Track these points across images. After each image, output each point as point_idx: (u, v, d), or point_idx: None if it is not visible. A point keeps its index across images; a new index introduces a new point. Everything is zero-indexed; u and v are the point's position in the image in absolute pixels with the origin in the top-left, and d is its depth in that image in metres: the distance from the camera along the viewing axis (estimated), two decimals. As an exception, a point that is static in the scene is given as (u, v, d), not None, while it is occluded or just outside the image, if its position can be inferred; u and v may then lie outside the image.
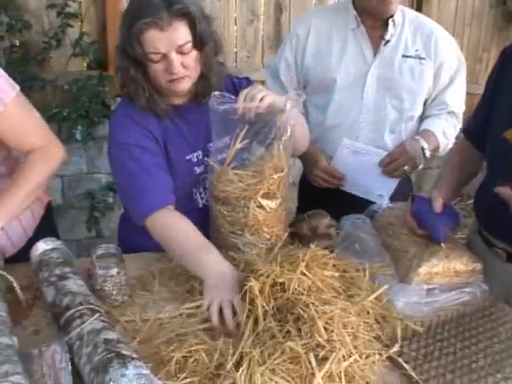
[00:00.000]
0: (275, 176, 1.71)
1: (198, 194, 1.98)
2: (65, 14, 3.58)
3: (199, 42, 1.72)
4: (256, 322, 1.42)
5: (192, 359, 1.35)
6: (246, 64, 4.16)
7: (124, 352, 1.24)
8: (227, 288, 1.53)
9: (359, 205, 2.19)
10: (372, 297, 1.56)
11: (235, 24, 4.08)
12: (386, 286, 1.61)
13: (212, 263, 1.62)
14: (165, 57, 1.69)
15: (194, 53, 1.73)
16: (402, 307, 1.62)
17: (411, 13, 2.34)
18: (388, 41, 2.24)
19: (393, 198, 2.23)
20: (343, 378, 1.28)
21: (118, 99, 3.21)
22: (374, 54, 2.26)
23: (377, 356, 1.38)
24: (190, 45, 1.70)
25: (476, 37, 4.75)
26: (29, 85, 3.53)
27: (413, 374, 1.37)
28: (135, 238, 1.98)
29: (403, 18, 2.27)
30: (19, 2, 3.54)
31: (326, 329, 1.33)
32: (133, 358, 1.22)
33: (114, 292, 1.61)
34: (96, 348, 1.26)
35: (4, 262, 1.83)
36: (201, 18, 1.71)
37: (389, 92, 2.27)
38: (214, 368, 1.33)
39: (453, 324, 1.60)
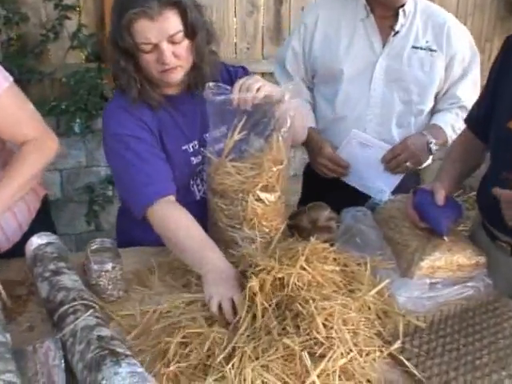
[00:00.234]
0: (274, 169, 1.67)
1: (195, 186, 1.95)
2: (62, 6, 3.53)
3: (191, 31, 1.69)
4: (254, 317, 1.38)
5: (188, 348, 1.32)
6: (245, 55, 4.12)
7: (118, 349, 1.21)
8: (227, 285, 1.49)
9: (364, 197, 2.16)
10: (373, 292, 1.52)
11: (235, 15, 4.03)
12: (387, 281, 1.58)
13: (212, 260, 1.58)
14: (156, 47, 1.66)
15: (186, 42, 1.70)
16: (403, 302, 1.58)
17: (423, 1, 2.26)
18: (398, 31, 2.17)
19: (397, 191, 2.19)
20: (337, 376, 1.24)
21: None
22: (383, 45, 2.20)
23: (378, 353, 1.34)
24: (181, 34, 1.67)
25: (478, 27, 4.70)
26: (27, 78, 3.50)
27: (415, 371, 1.33)
28: (133, 232, 1.97)
29: (415, 7, 2.21)
30: (16, -6, 3.50)
31: (325, 325, 1.30)
32: (126, 356, 1.19)
33: (110, 287, 1.58)
34: (89, 345, 1.23)
35: (-1, 258, 1.80)
36: (192, 6, 1.68)
37: (396, 84, 2.21)
38: (206, 358, 1.30)
39: (456, 319, 1.56)
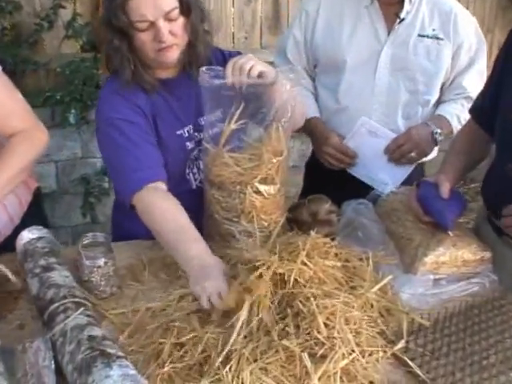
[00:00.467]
0: (274, 160, 1.61)
1: (191, 175, 1.91)
2: (56, -5, 3.46)
3: (186, 7, 1.67)
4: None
5: (183, 350, 1.27)
6: (243, 45, 4.04)
7: (109, 350, 1.15)
8: (213, 280, 1.42)
9: (366, 190, 2.09)
10: (376, 288, 1.47)
11: (232, 5, 3.96)
12: (390, 277, 1.52)
13: (197, 255, 1.50)
14: (152, 25, 1.62)
15: (181, 19, 1.67)
16: (407, 299, 1.53)
17: None
18: (403, 19, 2.10)
19: (400, 184, 2.13)
20: (338, 378, 1.19)
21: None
22: (388, 33, 2.12)
23: (381, 353, 1.29)
24: (177, 11, 1.64)
25: (480, 17, 4.60)
26: (21, 68, 3.45)
27: (419, 372, 1.27)
28: (128, 225, 1.91)
29: None
30: (9, -18, 3.43)
31: (326, 325, 1.25)
32: (118, 357, 1.14)
33: (102, 283, 1.52)
34: (79, 346, 1.17)
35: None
36: None
37: (402, 73, 2.14)
38: (202, 359, 1.25)
39: (461, 317, 1.51)
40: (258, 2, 4.02)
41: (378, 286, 1.48)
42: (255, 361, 1.18)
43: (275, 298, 1.33)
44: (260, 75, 1.57)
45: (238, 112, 1.61)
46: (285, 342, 1.22)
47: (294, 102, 1.62)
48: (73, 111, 3.53)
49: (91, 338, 1.19)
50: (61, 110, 3.54)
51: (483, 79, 2.24)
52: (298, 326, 1.26)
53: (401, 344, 1.34)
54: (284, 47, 2.30)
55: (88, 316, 1.29)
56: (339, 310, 1.28)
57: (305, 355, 1.19)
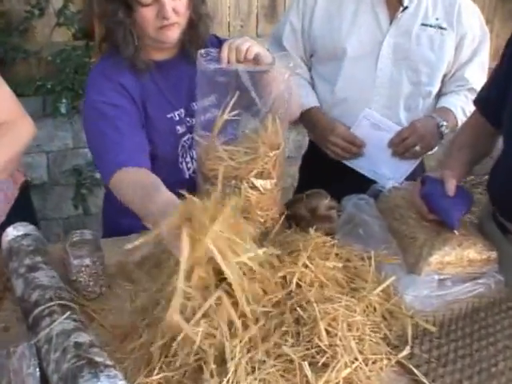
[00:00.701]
0: (271, 154, 1.53)
1: (184, 164, 1.86)
2: (47, -19, 3.37)
3: None
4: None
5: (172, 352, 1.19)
6: (239, 33, 3.94)
7: (97, 359, 1.08)
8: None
9: (368, 184, 2.00)
10: (378, 290, 1.40)
11: (228, -8, 3.89)
12: (393, 278, 1.45)
13: (161, 206, 1.37)
14: (156, 1, 1.59)
15: None
16: (411, 301, 1.46)
17: None
18: (406, 7, 2.01)
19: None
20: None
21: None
22: (390, 22, 2.04)
23: (385, 361, 1.22)
24: None
25: (479, 7, 4.48)
26: (11, 56, 3.37)
27: (425, 380, 1.20)
28: (120, 220, 1.86)
29: None
30: (-2, -32, 3.34)
31: (328, 331, 1.17)
32: (106, 366, 1.06)
33: (91, 283, 1.45)
34: (65, 353, 1.10)
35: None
36: None
37: (405, 64, 2.06)
38: (197, 365, 1.17)
39: (467, 320, 1.44)
40: (255, -11, 3.93)
41: (380, 288, 1.40)
42: (253, 371, 1.11)
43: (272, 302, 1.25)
44: (257, 57, 1.52)
45: (233, 101, 1.53)
46: (285, 348, 1.14)
47: (291, 91, 1.55)
48: (64, 101, 3.45)
49: (78, 344, 1.12)
50: (52, 99, 3.45)
51: (485, 71, 2.19)
52: (298, 333, 1.19)
53: (406, 351, 1.27)
54: (280, 35, 2.21)
55: (75, 320, 1.21)
56: (341, 315, 1.21)
57: (305, 364, 1.12)
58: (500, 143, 1.72)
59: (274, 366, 1.12)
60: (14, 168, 1.78)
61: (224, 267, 1.11)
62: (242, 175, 1.51)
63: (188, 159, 1.87)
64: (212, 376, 1.11)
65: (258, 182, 1.53)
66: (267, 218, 1.60)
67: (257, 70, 1.53)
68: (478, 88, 2.13)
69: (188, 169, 1.88)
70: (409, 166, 2.11)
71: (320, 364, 1.14)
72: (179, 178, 1.84)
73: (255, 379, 1.09)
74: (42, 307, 1.24)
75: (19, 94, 3.32)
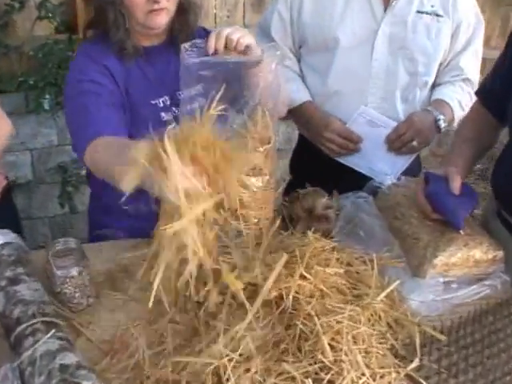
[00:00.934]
0: (261, 149, 1.44)
1: None
2: (27, -27, 3.27)
3: None
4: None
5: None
6: (226, 24, 3.86)
7: (84, 383, 0.99)
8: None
9: (364, 180, 1.93)
10: (382, 295, 1.31)
11: (214, -18, 3.79)
12: (397, 282, 1.37)
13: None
14: None
15: None
16: (416, 307, 1.39)
17: None
18: None
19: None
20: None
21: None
22: (385, 9, 1.94)
23: (393, 374, 1.13)
24: None
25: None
26: (-8, 52, 3.26)
27: (437, 394, 1.13)
28: (106, 223, 1.83)
29: None
30: (-25, -40, 3.24)
31: (332, 346, 1.09)
32: (95, 391, 0.98)
33: (77, 295, 1.36)
34: (50, 378, 1.01)
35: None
36: None
37: (401, 53, 1.97)
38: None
39: (476, 325, 1.37)
40: (241, -22, 3.84)
41: (384, 294, 1.32)
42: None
43: (271, 318, 1.16)
44: (247, 49, 1.46)
45: (219, 95, 1.43)
46: (286, 366, 1.06)
47: (279, 82, 1.48)
48: (47, 96, 3.36)
49: (64, 367, 1.03)
50: (35, 95, 3.36)
51: (479, 59, 2.12)
52: (299, 349, 1.11)
53: (415, 363, 1.19)
54: (268, 25, 2.10)
55: (60, 339, 1.12)
56: (345, 327, 1.13)
57: (309, 382, 1.04)
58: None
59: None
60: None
61: None
62: (231, 173, 1.43)
63: None
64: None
65: (249, 180, 1.45)
66: (261, 217, 1.52)
67: (246, 61, 1.47)
68: (473, 78, 2.09)
69: None
70: (405, 161, 2.03)
71: (325, 381, 1.06)
72: None
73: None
74: (25, 325, 1.15)
75: (0, 91, 3.27)
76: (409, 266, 1.49)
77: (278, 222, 1.48)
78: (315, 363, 1.08)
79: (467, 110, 2.06)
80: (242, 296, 1.12)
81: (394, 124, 1.98)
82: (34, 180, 3.67)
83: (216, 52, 1.46)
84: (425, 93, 2.07)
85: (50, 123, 3.55)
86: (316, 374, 1.07)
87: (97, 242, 1.78)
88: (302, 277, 1.21)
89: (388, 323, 1.29)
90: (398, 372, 1.15)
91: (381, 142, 1.99)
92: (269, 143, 1.44)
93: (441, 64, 2.06)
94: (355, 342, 1.13)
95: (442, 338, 1.28)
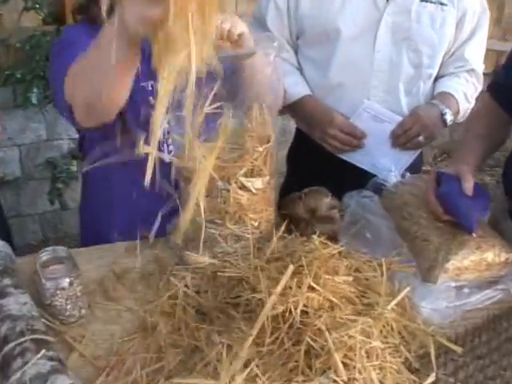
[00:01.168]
0: (260, 148, 1.36)
1: (165, 146, 1.71)
2: (12, -39, 3.18)
3: None
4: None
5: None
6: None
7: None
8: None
9: (366, 177, 1.85)
10: (392, 304, 1.23)
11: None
12: (408, 289, 1.30)
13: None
14: None
15: None
16: (428, 315, 1.31)
17: None
18: None
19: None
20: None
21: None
22: None
23: (410, 391, 1.06)
24: None
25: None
26: (-24, 45, 3.18)
27: (455, 412, 1.06)
28: (100, 219, 1.77)
29: None
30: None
31: (345, 364, 1.01)
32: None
33: (68, 307, 1.27)
34: (40, 404, 0.93)
35: None
36: None
37: (405, 44, 1.89)
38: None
39: (490, 333, 1.29)
40: (233, -34, 3.76)
41: (394, 301, 1.25)
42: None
43: (279, 334, 1.08)
44: (240, 38, 1.37)
45: (213, 92, 1.34)
46: (295, 386, 0.99)
47: (278, 75, 1.42)
48: (35, 90, 3.28)
49: (55, 392, 0.95)
50: (22, 89, 3.28)
51: (484, 49, 2.04)
52: (309, 366, 1.03)
53: (431, 377, 1.12)
54: (263, 15, 1.99)
55: (51, 359, 1.04)
56: (358, 342, 1.05)
57: (321, 403, 0.97)
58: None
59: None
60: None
61: None
62: (229, 175, 1.35)
63: (170, 141, 1.70)
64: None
65: (249, 182, 1.37)
66: (261, 220, 1.44)
67: (239, 54, 1.39)
68: (478, 68, 2.02)
69: (169, 152, 1.70)
70: (409, 157, 1.96)
71: (338, 403, 0.98)
72: (158, 160, 1.66)
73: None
74: (13, 344, 1.06)
75: (-14, 85, 3.20)
76: (418, 270, 1.41)
77: (283, 227, 1.41)
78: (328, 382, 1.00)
79: (472, 101, 2.00)
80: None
81: (400, 119, 1.90)
82: (22, 176, 3.61)
83: None
84: (428, 85, 1.99)
85: (38, 118, 3.49)
86: (328, 393, 0.99)
87: (89, 246, 1.69)
88: (310, 288, 1.13)
89: (399, 332, 1.21)
90: (415, 388, 1.08)
91: (385, 137, 1.92)
92: (268, 142, 1.36)
93: (445, 54, 1.98)
94: (368, 357, 1.06)
95: (459, 350, 1.20)
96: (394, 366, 1.09)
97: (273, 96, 1.43)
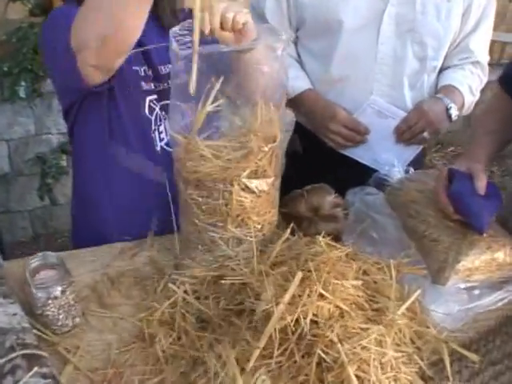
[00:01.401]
0: (266, 148, 1.27)
1: (156, 133, 1.65)
2: (-2, -50, 3.13)
3: None
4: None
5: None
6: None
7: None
8: None
9: (368, 172, 1.79)
10: (403, 308, 1.17)
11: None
12: (418, 292, 1.23)
13: None
14: None
15: None
16: (440, 319, 1.25)
17: None
18: None
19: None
20: None
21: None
22: None
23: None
24: None
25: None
26: (-38, 38, 3.13)
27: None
28: (92, 217, 1.70)
29: None
30: None
31: (358, 377, 0.95)
32: None
33: (61, 316, 1.20)
34: (32, 427, 0.87)
35: None
36: None
37: (410, 36, 1.81)
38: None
39: (504, 337, 1.24)
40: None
41: (405, 306, 1.18)
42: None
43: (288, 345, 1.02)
44: (244, 28, 1.29)
45: (216, 89, 1.27)
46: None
47: (286, 71, 1.31)
48: (23, 83, 3.26)
49: (48, 413, 0.88)
50: (9, 82, 3.25)
51: (488, 40, 1.97)
52: (320, 380, 0.97)
53: (448, 389, 1.06)
54: (261, 5, 1.91)
55: (44, 377, 0.97)
56: (372, 353, 0.99)
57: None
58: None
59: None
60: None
61: None
62: (232, 176, 1.26)
63: (162, 129, 1.66)
64: None
65: (253, 183, 1.29)
66: (264, 222, 1.37)
67: (243, 49, 1.30)
68: (483, 60, 1.95)
69: (161, 140, 1.66)
70: (412, 152, 1.89)
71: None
72: (149, 147, 1.65)
73: None
74: (3, 360, 0.99)
75: (-27, 79, 3.12)
76: (427, 271, 1.35)
77: (288, 230, 1.34)
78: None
79: (477, 94, 1.93)
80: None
81: (404, 115, 1.84)
82: (11, 172, 3.56)
83: (211, 32, 1.28)
84: (433, 78, 1.92)
85: (26, 112, 3.43)
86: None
87: (81, 242, 1.63)
88: (320, 295, 1.06)
89: (411, 339, 1.16)
90: (432, 402, 1.02)
91: (388, 133, 1.85)
92: (274, 141, 1.29)
93: (449, 46, 1.91)
94: (382, 369, 1.00)
95: (475, 358, 1.15)
96: (409, 377, 1.03)
97: (281, 92, 1.35)
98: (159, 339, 1.15)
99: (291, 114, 2.04)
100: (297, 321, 1.02)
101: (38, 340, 1.12)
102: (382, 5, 1.77)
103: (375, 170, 1.78)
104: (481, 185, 1.37)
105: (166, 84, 1.61)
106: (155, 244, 1.55)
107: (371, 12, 1.78)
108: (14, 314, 1.13)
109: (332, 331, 1.00)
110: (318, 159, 1.93)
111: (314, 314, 1.02)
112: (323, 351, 0.98)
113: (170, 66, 1.55)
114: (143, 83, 1.61)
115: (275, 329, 1.00)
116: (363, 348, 0.99)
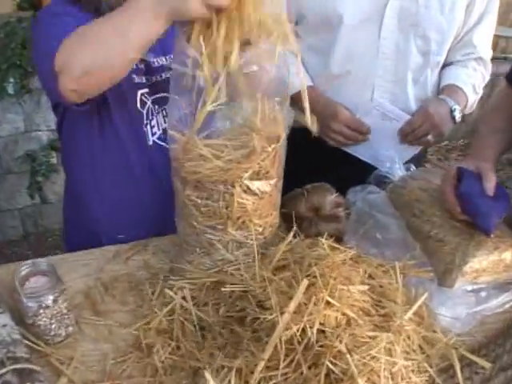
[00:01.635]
0: (269, 148, 1.22)
1: (148, 127, 1.62)
2: None
3: None
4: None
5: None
6: None
7: None
8: None
9: (368, 169, 1.75)
10: (410, 313, 1.13)
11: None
12: (425, 295, 1.19)
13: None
14: None
15: None
16: (448, 324, 1.21)
17: None
18: None
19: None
20: None
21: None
22: None
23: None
24: None
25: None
26: None
27: None
28: (85, 216, 1.66)
29: None
30: None
31: (369, 388, 0.91)
32: None
33: (53, 326, 1.14)
34: None
35: None
36: None
37: (413, 30, 1.76)
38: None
39: (512, 340, 1.20)
40: None
41: (412, 310, 1.14)
42: None
43: (294, 356, 0.97)
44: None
45: (217, 87, 1.21)
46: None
47: (289, 68, 1.28)
48: (11, 80, 3.22)
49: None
50: (-3, 79, 3.20)
51: (491, 35, 1.92)
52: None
53: (460, 399, 1.02)
54: None
55: (36, 392, 0.92)
56: (383, 363, 0.94)
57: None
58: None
59: None
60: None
61: None
62: (232, 177, 1.20)
63: (154, 123, 1.62)
64: None
65: (255, 184, 1.23)
66: (266, 224, 1.31)
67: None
68: (486, 56, 1.91)
69: (153, 134, 1.63)
70: (410, 153, 1.86)
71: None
72: (141, 142, 1.61)
73: None
74: (-8, 376, 0.94)
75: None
76: (434, 273, 1.31)
77: (291, 233, 1.29)
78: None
79: (480, 92, 1.90)
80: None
81: (408, 118, 1.80)
82: (0, 170, 3.50)
83: None
84: (436, 73, 1.88)
85: (15, 109, 3.37)
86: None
87: (74, 241, 1.61)
88: (327, 302, 1.02)
89: (420, 346, 1.11)
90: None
91: (391, 133, 1.82)
92: (278, 141, 1.23)
93: (453, 40, 1.86)
94: (393, 379, 0.95)
95: (486, 364, 1.10)
96: (420, 386, 0.99)
97: (284, 91, 1.30)
98: (157, 349, 1.11)
99: (291, 111, 1.99)
100: (303, 330, 0.97)
101: (30, 351, 1.07)
102: None
103: (375, 168, 1.74)
104: (490, 186, 1.33)
105: (158, 77, 1.58)
106: (150, 246, 1.50)
107: (373, 6, 1.73)
108: (4, 326, 1.08)
109: (340, 341, 0.95)
110: (317, 156, 1.87)
111: (320, 323, 0.97)
112: (331, 362, 0.93)
113: (162, 58, 1.58)
114: (135, 76, 1.57)
115: (280, 339, 0.95)
116: (373, 358, 0.94)
